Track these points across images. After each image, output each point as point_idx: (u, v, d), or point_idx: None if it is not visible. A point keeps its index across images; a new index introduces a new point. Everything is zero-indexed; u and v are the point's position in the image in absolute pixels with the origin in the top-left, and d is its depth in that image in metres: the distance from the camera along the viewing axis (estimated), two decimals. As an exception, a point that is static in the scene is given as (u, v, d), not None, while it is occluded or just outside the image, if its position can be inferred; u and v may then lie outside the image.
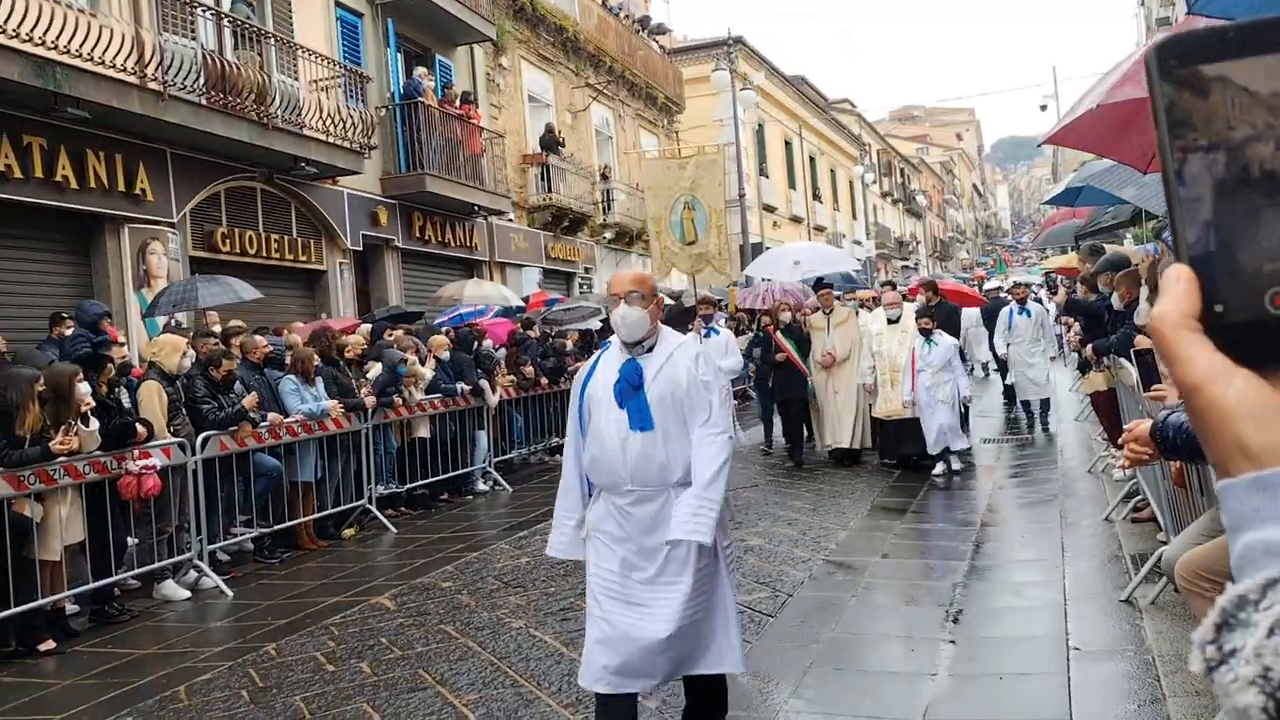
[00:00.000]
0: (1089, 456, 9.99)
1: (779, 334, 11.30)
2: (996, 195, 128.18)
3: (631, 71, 25.25)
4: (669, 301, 17.32)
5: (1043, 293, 17.61)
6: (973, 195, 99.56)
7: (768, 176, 34.94)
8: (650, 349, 3.56)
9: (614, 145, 24.84)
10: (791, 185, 38.33)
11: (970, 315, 15.53)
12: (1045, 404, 12.72)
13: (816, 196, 41.59)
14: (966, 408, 11.29)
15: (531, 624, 5.84)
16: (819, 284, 11.75)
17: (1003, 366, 14.17)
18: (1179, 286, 0.57)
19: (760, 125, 34.48)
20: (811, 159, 41.58)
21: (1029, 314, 12.85)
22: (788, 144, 38.37)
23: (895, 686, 4.62)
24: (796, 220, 37.93)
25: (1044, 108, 42.30)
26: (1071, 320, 10.91)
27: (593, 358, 3.73)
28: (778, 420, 12.07)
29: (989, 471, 10.16)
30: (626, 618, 3.43)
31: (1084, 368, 10.11)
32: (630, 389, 3.46)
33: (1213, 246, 0.57)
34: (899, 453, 10.27)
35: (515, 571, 7.22)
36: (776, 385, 11.58)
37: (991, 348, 14.59)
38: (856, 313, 11.71)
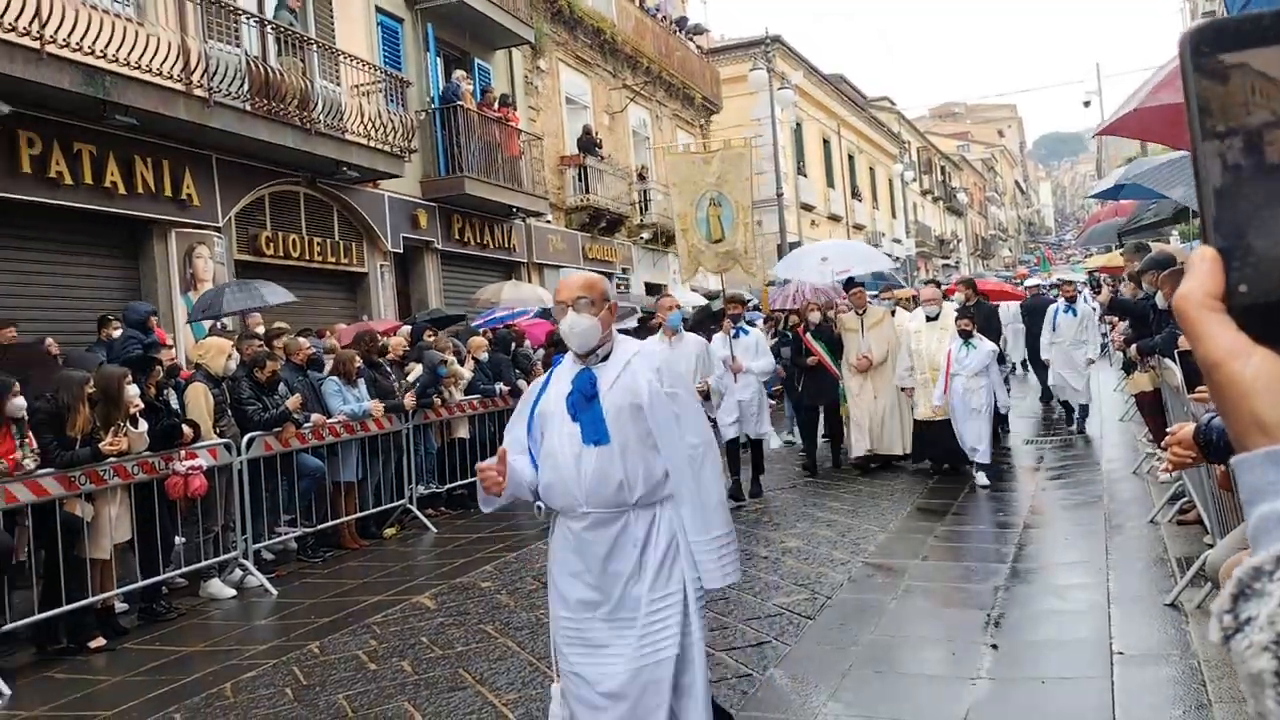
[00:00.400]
0: (1134, 458, 9.85)
1: (809, 335, 10.87)
2: (1039, 192, 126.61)
3: (669, 72, 25.26)
4: (702, 302, 16.85)
5: (1086, 291, 16.70)
6: (1015, 192, 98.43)
7: (806, 175, 34.79)
8: (605, 357, 3.25)
9: (651, 146, 24.86)
10: (830, 184, 38.13)
11: (1009, 311, 15.09)
12: (1084, 409, 12.29)
13: (855, 195, 41.33)
14: (1004, 414, 11.10)
15: (570, 624, 5.87)
16: (850, 283, 11.35)
17: (1041, 368, 13.64)
18: (1203, 266, 0.60)
19: (798, 124, 34.33)
20: (850, 157, 41.33)
21: (1074, 313, 12.26)
22: (826, 143, 38.17)
23: (935, 690, 4.60)
24: (835, 219, 37.71)
25: (1087, 104, 41.70)
26: (1116, 320, 10.61)
27: (545, 374, 3.42)
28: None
29: (1031, 473, 10.05)
30: (587, 663, 3.14)
31: (1129, 368, 9.87)
32: (584, 400, 3.16)
33: (1237, 229, 0.59)
34: (933, 455, 9.94)
35: (554, 572, 7.26)
36: (806, 390, 11.05)
37: (1031, 348, 14.05)
38: (893, 312, 11.30)
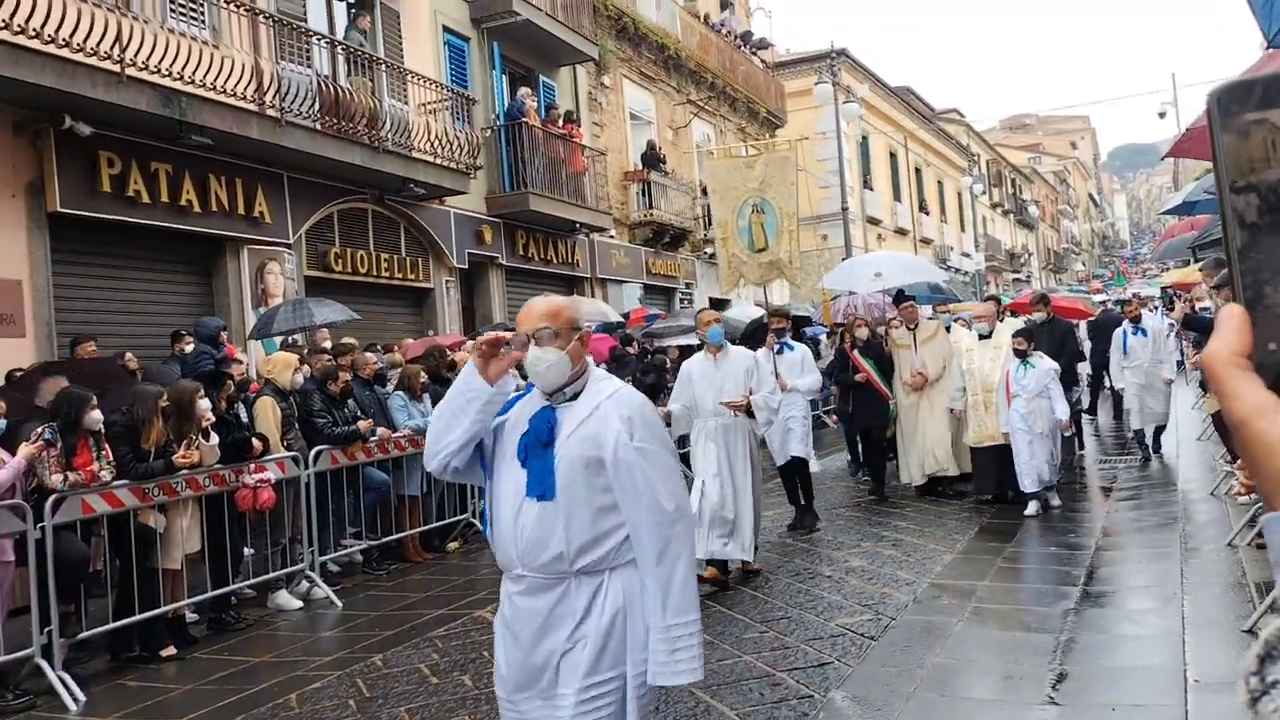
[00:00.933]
0: (1211, 478, 9.53)
1: (856, 353, 10.27)
2: (1114, 205, 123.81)
3: (733, 87, 25.25)
4: (756, 314, 16.52)
5: (1159, 309, 15.73)
6: (1088, 205, 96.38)
7: (872, 189, 34.49)
8: (574, 396, 2.77)
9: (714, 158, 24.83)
10: (897, 197, 37.74)
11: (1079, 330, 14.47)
12: (1160, 429, 11.57)
13: (923, 208, 40.84)
14: (1074, 433, 10.69)
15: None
16: (900, 296, 10.66)
17: (1115, 395, 12.83)
18: (1230, 324, 0.60)
19: (864, 137, 34.05)
20: (918, 170, 40.87)
21: (1144, 333, 11.42)
22: (893, 156, 37.81)
23: (1001, 716, 4.48)
24: (902, 233, 37.30)
25: (1163, 115, 40.71)
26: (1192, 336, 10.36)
27: (520, 390, 2.92)
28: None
29: (1103, 493, 9.79)
30: None
31: (1206, 386, 9.63)
32: (538, 445, 2.70)
33: (1260, 286, 0.59)
34: (994, 486, 9.19)
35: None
36: (855, 410, 10.54)
37: (1097, 367, 13.30)
38: (948, 328, 10.56)
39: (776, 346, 8.77)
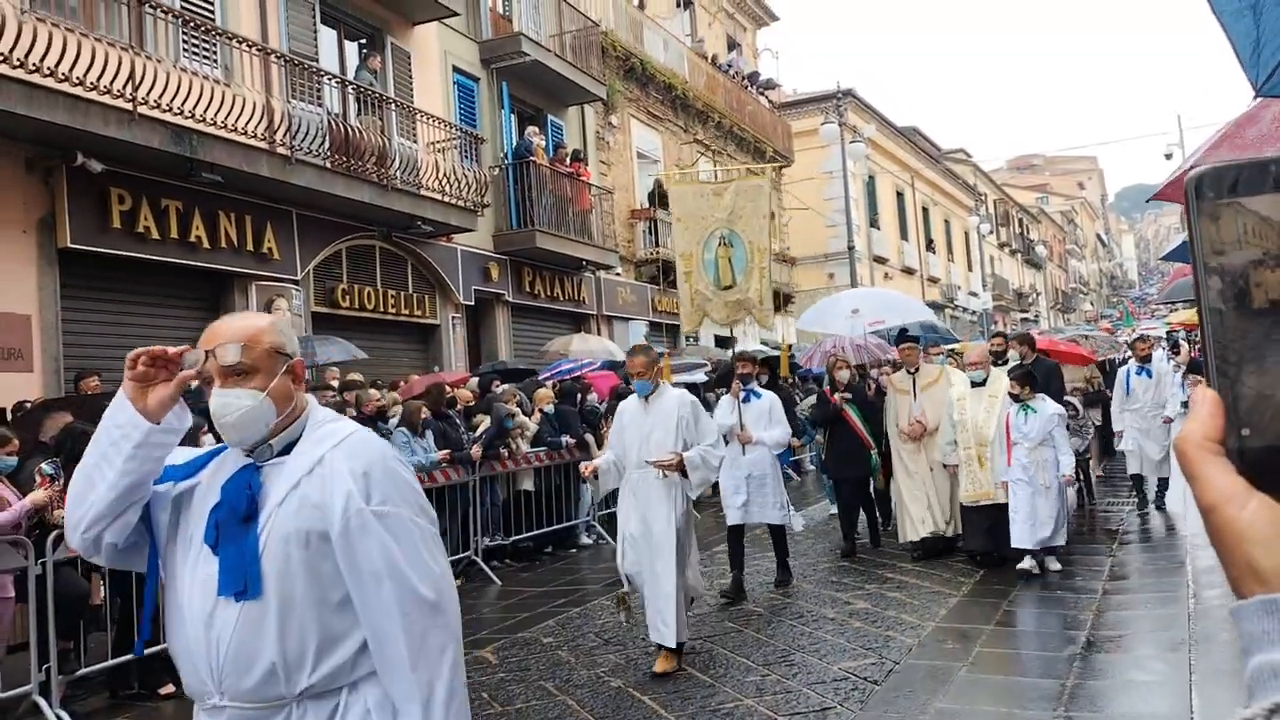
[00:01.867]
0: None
1: (837, 397, 9.41)
2: (1121, 245, 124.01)
3: (740, 126, 25.44)
4: (773, 353, 15.96)
5: (1164, 349, 14.95)
6: (1096, 245, 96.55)
7: (878, 228, 34.63)
8: (287, 449, 2.03)
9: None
10: (904, 236, 37.87)
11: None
12: (1163, 483, 10.72)
13: (930, 247, 40.96)
14: (1078, 484, 10.13)
15: (630, 683, 5.80)
16: (902, 335, 9.79)
17: (1107, 434, 11.96)
18: (1204, 409, 0.60)
19: (871, 176, 34.26)
20: (924, 209, 41.04)
21: (1149, 374, 10.72)
22: (900, 195, 38.00)
23: (1006, 764, 4.41)
24: (909, 272, 37.38)
25: (1169, 156, 40.82)
26: (1198, 380, 10.22)
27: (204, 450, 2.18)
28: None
29: (1111, 536, 9.71)
30: None
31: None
32: (234, 521, 1.95)
33: (1235, 371, 0.58)
34: (987, 547, 8.31)
35: (616, 629, 7.19)
36: (831, 458, 9.67)
37: (1105, 416, 12.35)
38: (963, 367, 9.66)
39: (742, 394, 8.01)
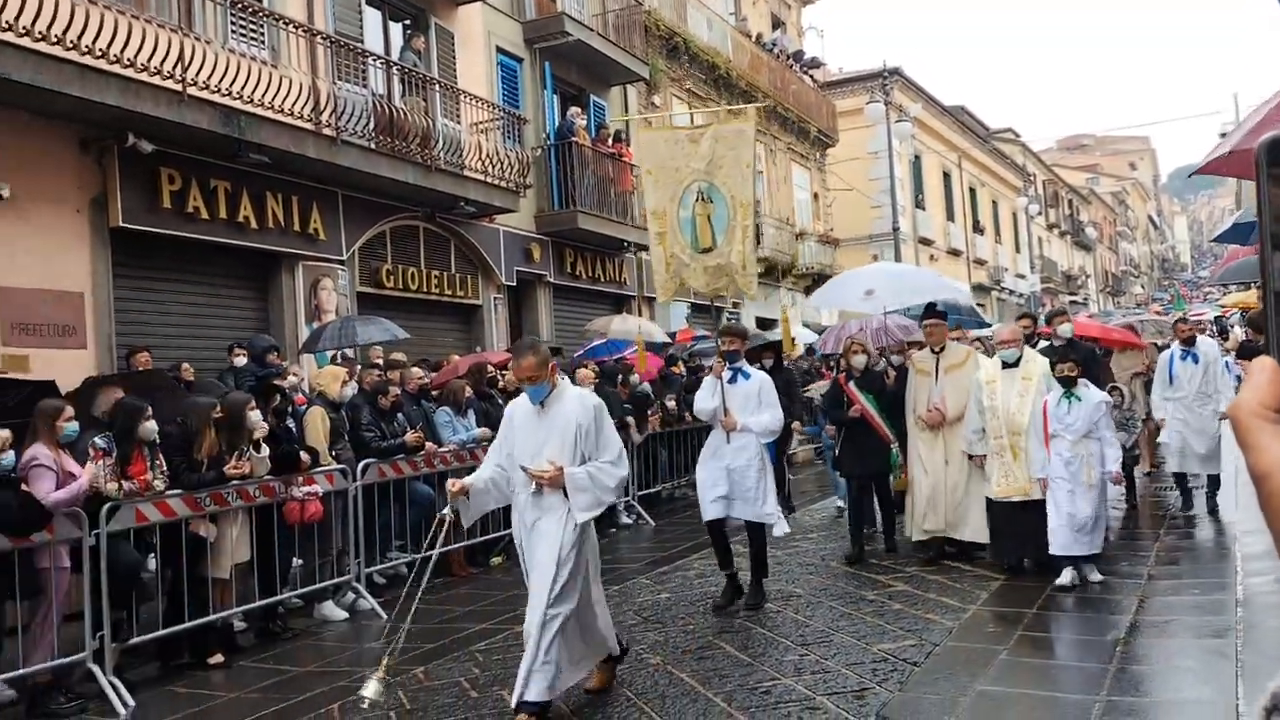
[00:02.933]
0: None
1: (851, 385, 8.55)
2: (1174, 227, 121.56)
3: (783, 106, 25.24)
4: (810, 337, 14.30)
5: (1209, 334, 13.23)
6: (1148, 227, 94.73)
7: (924, 209, 34.23)
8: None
9: (764, 180, 24.84)
10: (950, 218, 37.40)
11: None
12: (1214, 480, 9.59)
13: (977, 229, 40.42)
14: (1129, 479, 9.62)
15: (669, 661, 5.84)
16: (930, 310, 8.66)
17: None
18: (1261, 377, 0.60)
19: (917, 156, 33.85)
20: (971, 190, 40.49)
21: (1196, 359, 9.58)
22: (946, 175, 37.52)
23: (1046, 747, 4.39)
24: (955, 253, 36.93)
25: (1224, 136, 39.91)
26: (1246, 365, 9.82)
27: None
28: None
29: (1157, 520, 9.58)
30: None
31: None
32: None
33: None
34: (1016, 552, 7.50)
35: (655, 607, 7.24)
36: (845, 453, 8.72)
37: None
38: (990, 353, 8.61)
39: (728, 374, 7.04)
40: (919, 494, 8.18)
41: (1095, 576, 7.03)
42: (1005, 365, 7.57)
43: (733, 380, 7.03)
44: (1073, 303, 50.97)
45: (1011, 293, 42.85)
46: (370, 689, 4.63)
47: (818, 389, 12.35)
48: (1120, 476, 7.43)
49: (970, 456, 7.79)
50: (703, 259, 7.45)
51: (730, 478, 6.87)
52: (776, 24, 28.21)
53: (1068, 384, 7.03)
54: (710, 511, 6.92)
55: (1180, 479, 9.88)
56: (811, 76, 28.50)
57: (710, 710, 4.94)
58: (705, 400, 7.04)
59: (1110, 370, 10.26)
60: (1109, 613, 6.36)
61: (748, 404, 6.96)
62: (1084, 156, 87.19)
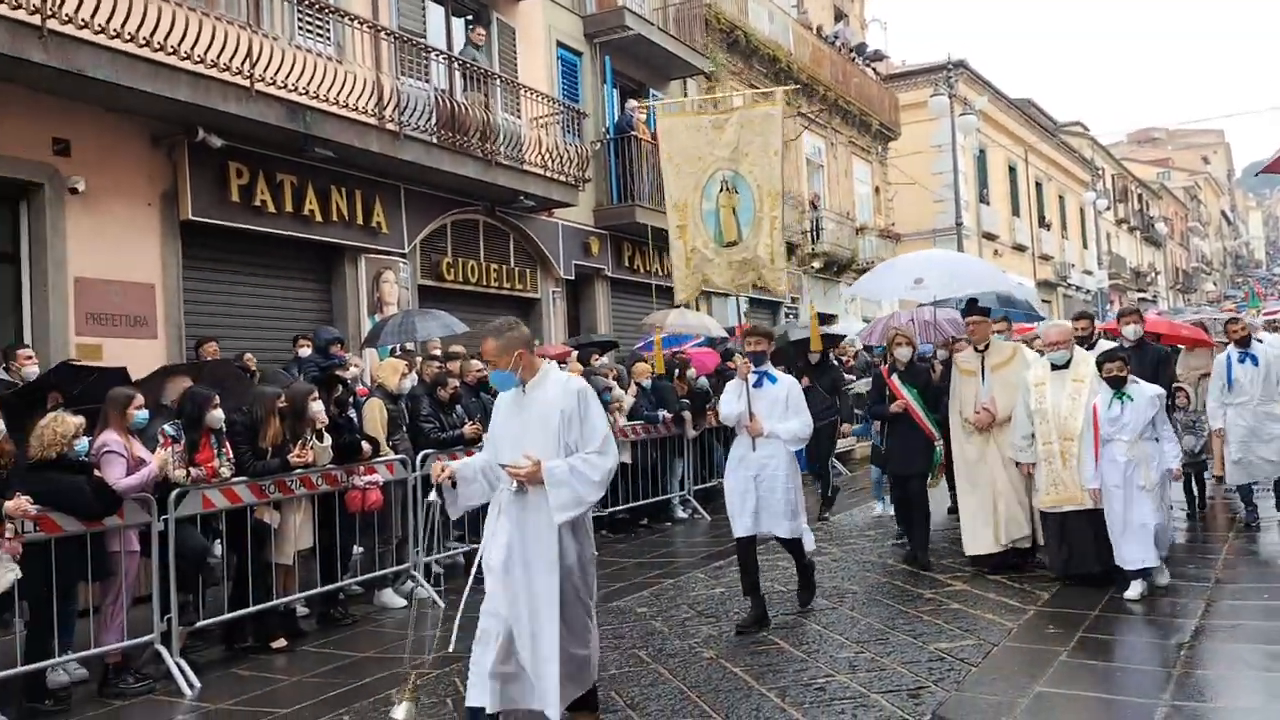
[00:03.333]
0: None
1: (895, 378, 8.06)
2: (1248, 223, 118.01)
3: (845, 99, 24.99)
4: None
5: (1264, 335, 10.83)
6: (1221, 223, 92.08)
7: (989, 204, 33.68)
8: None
9: (824, 174, 24.64)
10: (1015, 212, 36.75)
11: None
12: None
13: (1043, 224, 39.66)
14: (1197, 480, 9.39)
15: (723, 655, 5.84)
16: (970, 307, 8.11)
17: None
18: None
19: (982, 150, 33.30)
20: (1038, 184, 39.74)
21: (1255, 360, 8.88)
22: (1012, 169, 36.87)
23: (1106, 751, 4.31)
24: (1020, 249, 36.29)
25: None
26: None
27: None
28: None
29: (1227, 523, 9.33)
30: None
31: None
32: None
33: None
34: (1075, 565, 7.00)
35: (709, 601, 7.24)
36: (890, 450, 8.40)
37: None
38: (1042, 353, 7.64)
39: (753, 377, 6.57)
40: (966, 510, 7.71)
41: (1164, 580, 6.75)
42: (1055, 367, 7.08)
43: (759, 384, 6.58)
44: (1141, 299, 49.78)
45: (1078, 289, 42.00)
46: (400, 712, 4.34)
47: (862, 384, 12.18)
48: (1179, 473, 6.93)
49: (1018, 464, 7.29)
50: (727, 253, 7.03)
51: (758, 488, 6.42)
52: (839, 16, 27.95)
53: (1116, 384, 6.63)
54: (741, 527, 6.44)
55: (1245, 492, 9.07)
56: (874, 69, 28.19)
57: (764, 705, 4.93)
58: (730, 404, 6.59)
59: (1174, 370, 9.86)
60: (1173, 616, 6.22)
61: (774, 409, 6.50)
62: (1155, 150, 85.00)
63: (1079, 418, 6.80)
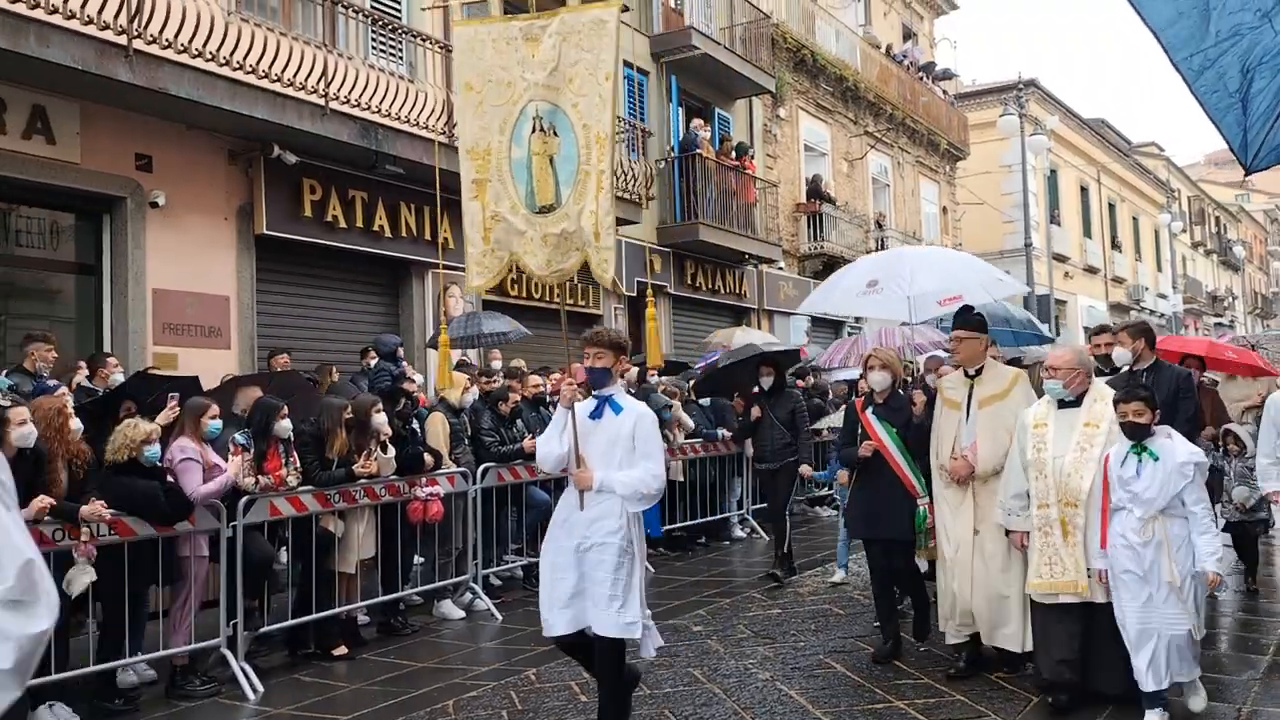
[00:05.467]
0: None
1: (869, 413, 6.25)
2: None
3: (913, 118, 24.81)
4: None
5: None
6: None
7: (1059, 224, 33.08)
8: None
9: (890, 193, 24.45)
10: (1087, 234, 36.04)
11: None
12: None
13: (1115, 246, 38.84)
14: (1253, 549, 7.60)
15: (778, 677, 5.80)
16: (962, 316, 5.91)
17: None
18: None
19: (1053, 170, 32.74)
20: (1110, 206, 38.94)
21: None
22: (1084, 190, 36.18)
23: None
24: (1092, 270, 35.58)
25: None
26: None
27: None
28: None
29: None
30: None
31: None
32: None
33: None
34: (1069, 668, 5.03)
35: (765, 622, 7.19)
36: (855, 508, 6.57)
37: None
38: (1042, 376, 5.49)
39: (589, 404, 4.75)
40: (942, 578, 5.87)
41: (1198, 705, 4.80)
42: (1062, 405, 5.12)
43: (596, 413, 4.66)
44: (1218, 325, 48.41)
45: (1152, 312, 40.98)
46: None
47: (829, 423, 10.12)
48: (1219, 579, 4.70)
49: (1008, 532, 5.32)
50: (542, 223, 4.94)
51: (580, 563, 4.53)
52: (907, 35, 27.76)
53: (1135, 434, 4.69)
54: (556, 624, 4.59)
55: None
56: (943, 89, 27.93)
57: None
58: (550, 442, 4.75)
59: (1221, 404, 8.35)
60: (1243, 650, 6.03)
61: (613, 451, 4.58)
62: (1234, 172, 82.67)
63: (1088, 477, 4.92)
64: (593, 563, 4.53)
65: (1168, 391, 5.89)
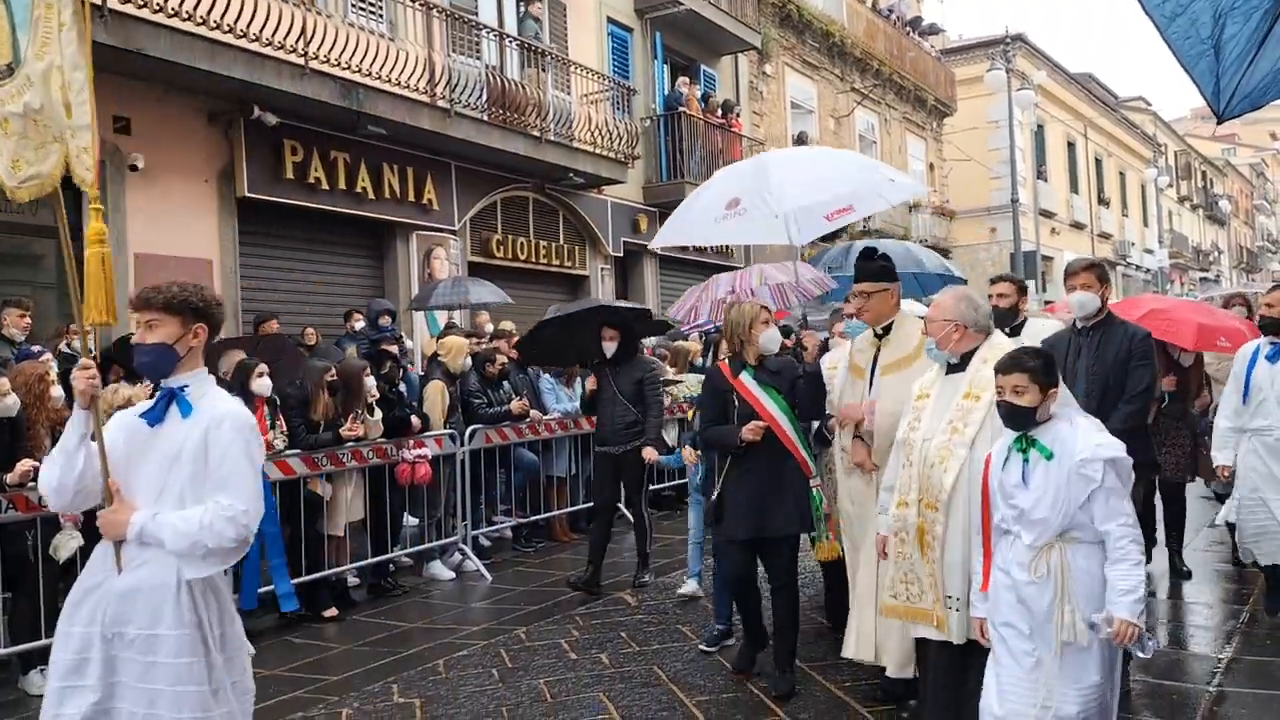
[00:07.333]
0: None
1: (745, 378, 4.87)
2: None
3: (900, 74, 24.64)
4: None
5: None
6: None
7: (1046, 180, 33.04)
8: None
9: (877, 150, 24.34)
10: (1074, 189, 36.04)
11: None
12: None
13: (1102, 201, 38.84)
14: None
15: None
16: (862, 262, 4.67)
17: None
18: None
19: (1040, 126, 32.64)
20: (1097, 161, 38.90)
21: None
22: (1070, 145, 36.12)
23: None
24: (1078, 226, 35.61)
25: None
26: None
27: None
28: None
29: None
30: None
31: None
32: None
33: None
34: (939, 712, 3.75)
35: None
36: (729, 496, 4.87)
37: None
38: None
39: (150, 404, 3.07)
40: (857, 586, 4.65)
41: None
42: (949, 369, 3.87)
43: (154, 415, 2.97)
44: (1203, 279, 48.61)
45: (1138, 268, 41.12)
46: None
47: (682, 389, 8.28)
48: (1134, 631, 3.01)
49: (879, 541, 4.06)
50: (5, 96, 3.07)
51: (108, 646, 2.75)
52: (894, -11, 27.48)
53: (1016, 421, 3.26)
54: None
55: (1273, 572, 5.66)
56: (930, 44, 27.73)
57: (808, 681, 4.94)
58: (52, 463, 2.91)
59: (1202, 380, 6.87)
60: (1225, 601, 6.10)
61: (172, 476, 2.87)
62: (1220, 127, 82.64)
63: (952, 469, 3.62)
64: (133, 671, 2.75)
65: (1114, 356, 4.65)
